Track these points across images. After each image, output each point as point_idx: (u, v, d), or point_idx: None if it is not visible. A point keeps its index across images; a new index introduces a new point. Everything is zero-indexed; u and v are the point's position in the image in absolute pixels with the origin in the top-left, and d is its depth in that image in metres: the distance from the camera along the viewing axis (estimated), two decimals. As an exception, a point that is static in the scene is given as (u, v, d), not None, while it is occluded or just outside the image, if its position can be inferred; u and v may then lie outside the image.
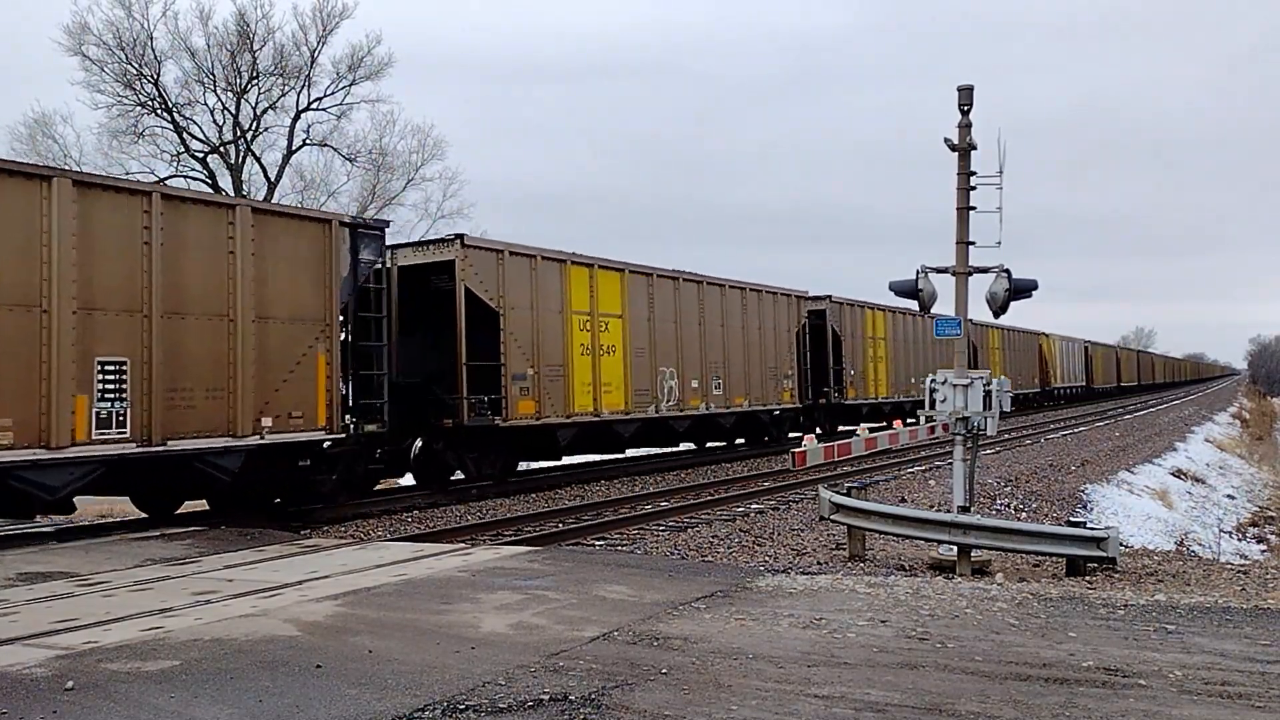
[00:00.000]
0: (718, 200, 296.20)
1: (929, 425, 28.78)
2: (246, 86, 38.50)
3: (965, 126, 12.87)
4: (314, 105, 39.77)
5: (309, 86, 39.35)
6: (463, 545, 12.08)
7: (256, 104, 39.09)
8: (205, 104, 38.58)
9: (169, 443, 12.46)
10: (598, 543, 13.45)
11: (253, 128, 39.24)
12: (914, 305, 13.46)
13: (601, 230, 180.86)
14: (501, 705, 5.48)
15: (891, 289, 13.34)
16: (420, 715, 5.34)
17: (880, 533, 12.29)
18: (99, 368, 11.90)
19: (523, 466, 24.12)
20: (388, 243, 16.24)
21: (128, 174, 34.49)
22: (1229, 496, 29.92)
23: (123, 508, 17.03)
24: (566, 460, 24.61)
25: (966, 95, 12.87)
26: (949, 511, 12.72)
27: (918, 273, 12.97)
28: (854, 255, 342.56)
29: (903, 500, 17.13)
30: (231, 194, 38.27)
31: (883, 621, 7.59)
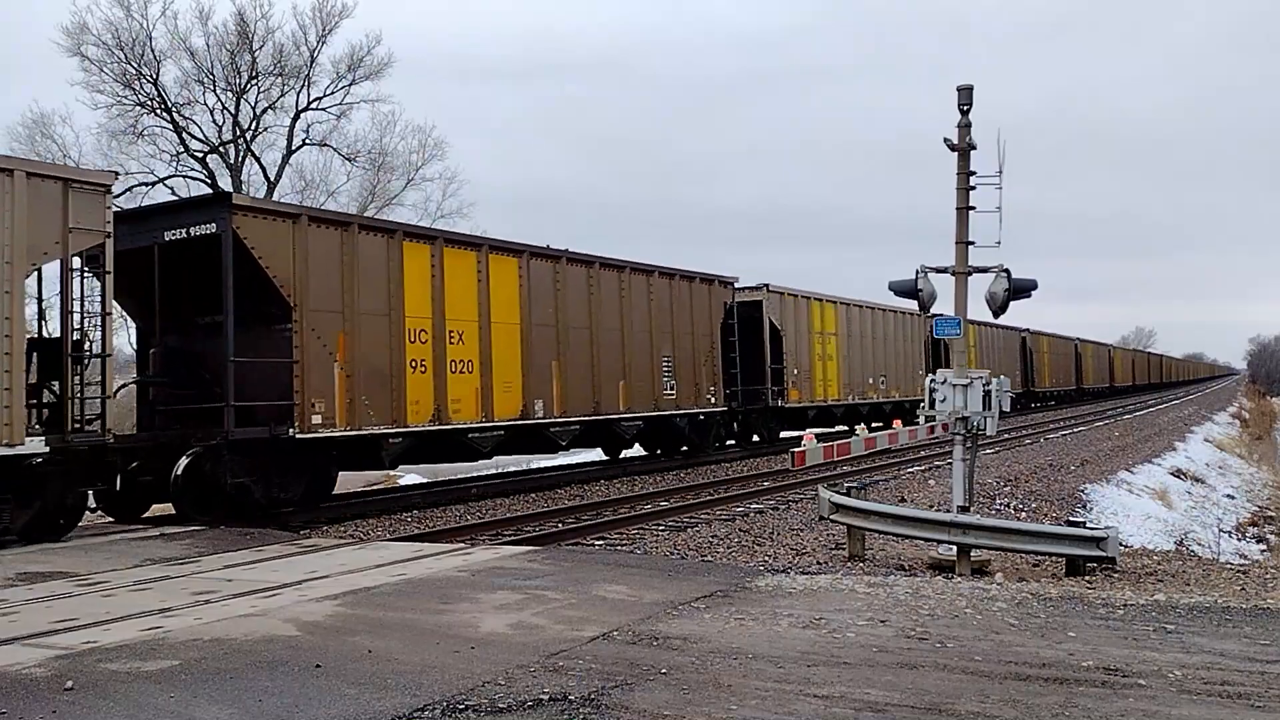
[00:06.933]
0: (693, 200, 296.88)
1: (929, 425, 28.77)
2: (246, 86, 38.52)
3: (965, 126, 12.87)
4: (314, 105, 39.82)
5: (309, 86, 39.40)
6: (462, 545, 12.08)
7: (256, 104, 39.14)
8: (205, 104, 38.62)
9: None
10: (597, 542, 13.45)
11: (252, 128, 39.27)
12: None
13: (584, 231, 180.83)
14: (501, 705, 5.48)
15: (891, 289, 13.34)
16: (420, 715, 5.34)
17: (880, 532, 12.30)
18: None
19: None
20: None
21: (127, 174, 34.50)
22: (1229, 496, 29.88)
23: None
24: (561, 460, 24.09)
25: (966, 95, 12.87)
26: (949, 511, 12.72)
27: (917, 272, 12.97)
28: (835, 255, 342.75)
29: (902, 500, 17.14)
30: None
31: (882, 621, 7.59)
